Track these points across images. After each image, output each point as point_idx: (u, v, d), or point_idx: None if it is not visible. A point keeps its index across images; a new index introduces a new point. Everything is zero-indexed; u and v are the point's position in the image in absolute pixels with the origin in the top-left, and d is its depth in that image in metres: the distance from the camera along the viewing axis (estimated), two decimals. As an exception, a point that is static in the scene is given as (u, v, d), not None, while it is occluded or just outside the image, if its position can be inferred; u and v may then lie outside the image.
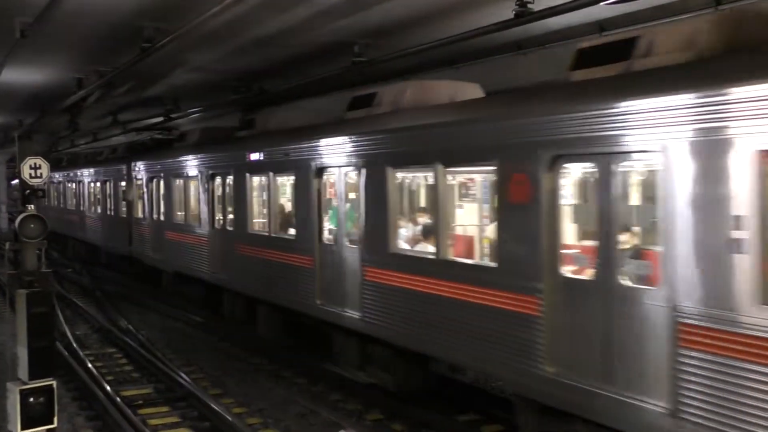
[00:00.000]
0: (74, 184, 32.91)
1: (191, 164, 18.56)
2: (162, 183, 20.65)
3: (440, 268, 9.72)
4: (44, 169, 8.24)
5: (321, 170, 12.53)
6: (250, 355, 15.03)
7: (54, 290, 17.82)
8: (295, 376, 13.45)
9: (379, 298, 10.84)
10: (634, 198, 7.95)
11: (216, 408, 11.12)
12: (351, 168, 11.69)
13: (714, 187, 6.40)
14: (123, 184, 24.53)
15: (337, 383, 12.61)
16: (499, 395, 9.52)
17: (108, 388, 12.32)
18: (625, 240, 7.59)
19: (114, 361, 15.16)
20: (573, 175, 8.77)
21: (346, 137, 11.82)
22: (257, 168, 15.02)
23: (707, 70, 6.84)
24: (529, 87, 10.88)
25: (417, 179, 11.81)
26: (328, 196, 12.85)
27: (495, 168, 8.84)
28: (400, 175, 10.94)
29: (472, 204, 11.90)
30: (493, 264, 9.13)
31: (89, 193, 29.87)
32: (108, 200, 26.83)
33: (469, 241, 10.99)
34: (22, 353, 8.02)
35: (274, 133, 15.12)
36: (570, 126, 7.75)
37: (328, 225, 12.72)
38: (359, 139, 11.48)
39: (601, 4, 8.86)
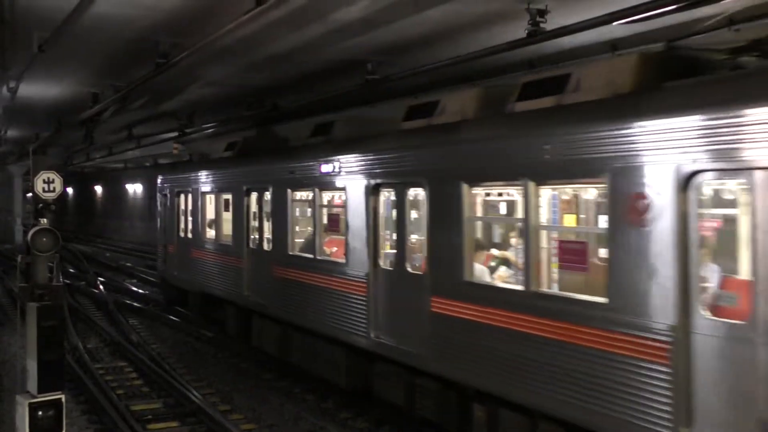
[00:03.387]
0: (317, 195, 12.87)
1: None
2: None
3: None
4: (57, 183, 8.28)
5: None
6: (259, 371, 15.03)
7: (65, 304, 17.86)
8: (305, 392, 13.42)
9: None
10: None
11: (225, 424, 11.11)
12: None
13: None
14: None
15: (347, 400, 12.58)
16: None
17: (118, 402, 12.34)
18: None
19: (124, 375, 15.18)
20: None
21: None
22: None
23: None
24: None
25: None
26: None
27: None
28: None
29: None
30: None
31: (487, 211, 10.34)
32: None
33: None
34: (32, 366, 8.02)
35: None
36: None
37: None
38: None
39: (614, 24, 8.86)
